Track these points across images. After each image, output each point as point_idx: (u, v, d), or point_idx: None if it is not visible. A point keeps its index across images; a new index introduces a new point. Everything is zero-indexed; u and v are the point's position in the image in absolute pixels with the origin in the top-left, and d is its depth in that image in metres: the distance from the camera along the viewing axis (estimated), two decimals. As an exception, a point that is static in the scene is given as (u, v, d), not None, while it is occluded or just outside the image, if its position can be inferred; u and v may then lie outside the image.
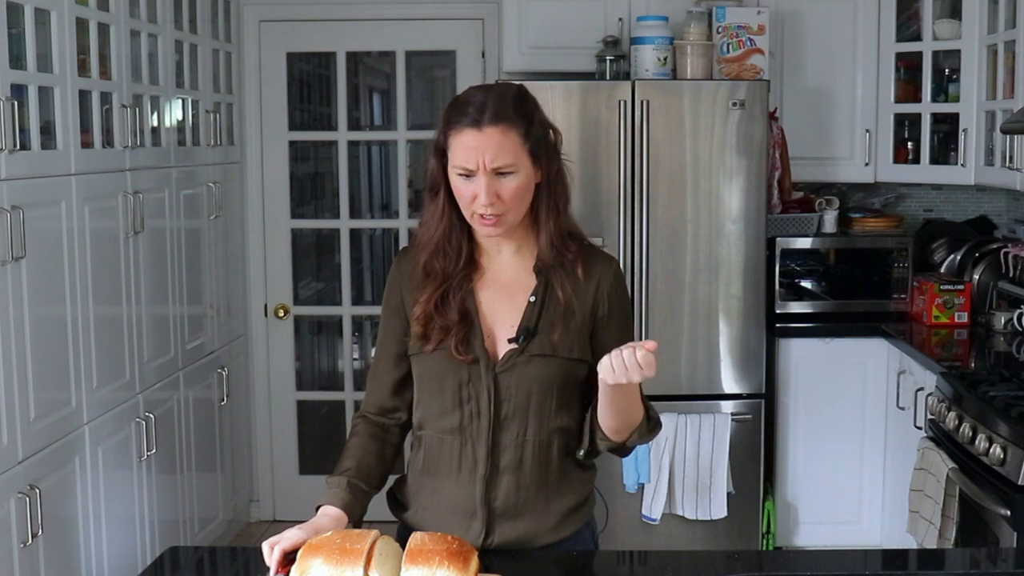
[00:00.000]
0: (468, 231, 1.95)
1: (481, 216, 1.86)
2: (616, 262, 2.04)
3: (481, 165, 1.83)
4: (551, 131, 1.94)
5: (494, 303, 1.95)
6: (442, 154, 1.90)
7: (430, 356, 1.92)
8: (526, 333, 1.91)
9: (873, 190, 4.62)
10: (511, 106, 1.87)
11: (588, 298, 1.95)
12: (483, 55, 4.53)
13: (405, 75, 4.62)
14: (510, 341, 1.91)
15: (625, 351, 1.74)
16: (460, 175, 1.86)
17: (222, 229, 4.32)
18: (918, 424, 3.56)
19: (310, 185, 5.08)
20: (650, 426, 1.94)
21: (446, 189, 1.91)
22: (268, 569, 1.74)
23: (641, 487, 3.93)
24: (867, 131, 4.34)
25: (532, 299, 1.94)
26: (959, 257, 4.34)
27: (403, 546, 1.67)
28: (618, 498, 3.91)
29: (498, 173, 1.84)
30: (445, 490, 1.95)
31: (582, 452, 1.96)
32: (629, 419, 1.90)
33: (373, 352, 2.11)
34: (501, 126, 1.84)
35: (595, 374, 1.84)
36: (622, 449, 1.97)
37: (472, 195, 1.85)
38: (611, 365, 1.74)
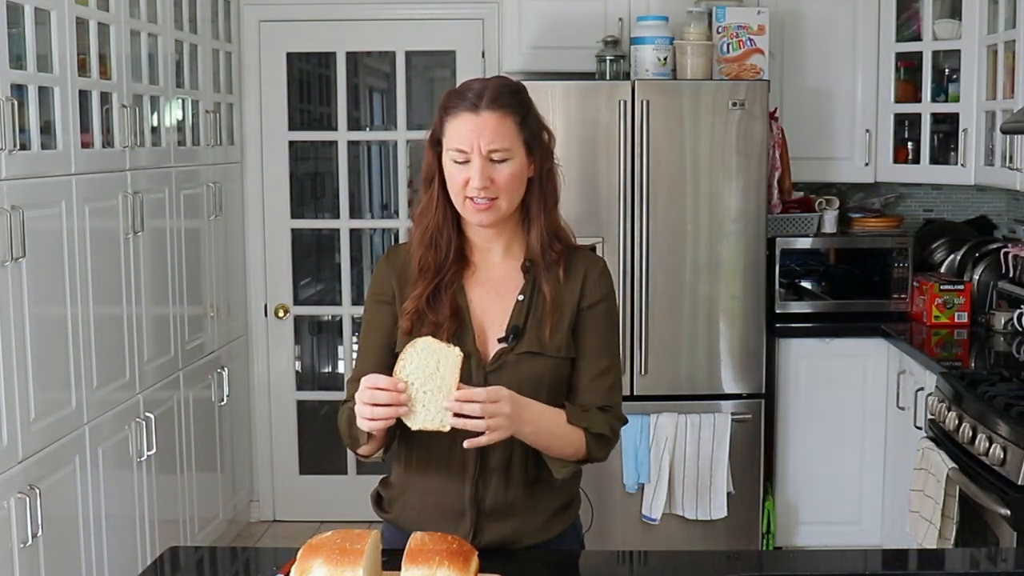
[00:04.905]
0: (459, 226, 1.95)
1: (473, 201, 1.86)
2: (602, 261, 2.03)
3: (476, 148, 1.84)
4: (546, 131, 1.95)
5: (484, 302, 1.95)
6: (437, 143, 1.91)
7: None
8: (515, 332, 1.91)
9: (873, 190, 4.62)
10: (508, 94, 1.89)
11: (573, 295, 1.95)
12: (483, 55, 4.53)
13: (405, 75, 4.61)
14: (500, 341, 1.92)
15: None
16: (455, 160, 1.86)
17: (222, 229, 4.32)
18: (918, 424, 3.56)
19: (310, 185, 5.08)
20: (599, 444, 1.92)
21: (440, 180, 1.91)
22: (272, 569, 1.75)
23: (641, 487, 3.93)
24: (867, 131, 4.34)
25: (520, 298, 1.94)
26: (959, 257, 4.34)
27: (386, 547, 1.68)
28: (618, 498, 3.91)
29: (493, 159, 1.85)
30: (433, 490, 1.94)
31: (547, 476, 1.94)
32: (559, 451, 1.89)
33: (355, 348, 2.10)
34: (498, 112, 1.85)
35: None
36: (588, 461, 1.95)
37: (464, 180, 1.86)
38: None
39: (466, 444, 1.75)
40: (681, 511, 3.93)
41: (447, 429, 1.74)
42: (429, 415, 1.74)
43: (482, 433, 1.75)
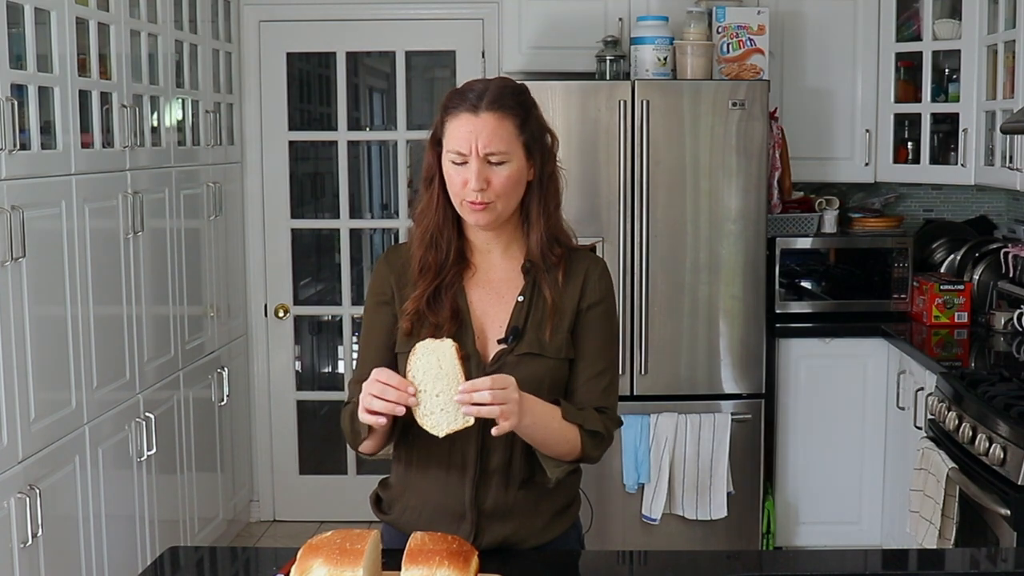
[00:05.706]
0: (459, 227, 1.95)
1: (471, 202, 1.86)
2: (602, 262, 2.03)
3: (474, 150, 1.83)
4: (548, 133, 1.95)
5: (484, 303, 1.95)
6: (438, 143, 1.90)
7: None
8: (515, 333, 1.90)
9: (873, 190, 4.62)
10: (509, 95, 1.88)
11: (573, 297, 1.95)
12: (483, 55, 4.53)
13: (405, 75, 4.61)
14: (499, 342, 1.91)
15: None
16: (453, 161, 1.86)
17: (222, 229, 4.32)
18: (918, 424, 3.56)
19: (310, 185, 5.08)
20: (594, 442, 1.91)
21: (440, 181, 1.91)
22: (272, 569, 1.75)
23: (641, 487, 3.93)
24: (867, 131, 4.34)
25: (520, 299, 1.94)
26: (959, 257, 4.34)
27: (385, 548, 1.68)
28: (618, 498, 3.91)
29: (490, 161, 1.84)
30: (433, 491, 1.94)
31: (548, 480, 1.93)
32: (554, 448, 1.87)
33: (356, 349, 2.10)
34: (498, 113, 1.85)
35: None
36: (585, 460, 1.94)
37: (463, 181, 1.85)
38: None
39: (494, 432, 1.74)
40: (681, 511, 3.93)
41: (472, 423, 1.74)
42: (450, 417, 1.74)
43: (495, 424, 1.74)
